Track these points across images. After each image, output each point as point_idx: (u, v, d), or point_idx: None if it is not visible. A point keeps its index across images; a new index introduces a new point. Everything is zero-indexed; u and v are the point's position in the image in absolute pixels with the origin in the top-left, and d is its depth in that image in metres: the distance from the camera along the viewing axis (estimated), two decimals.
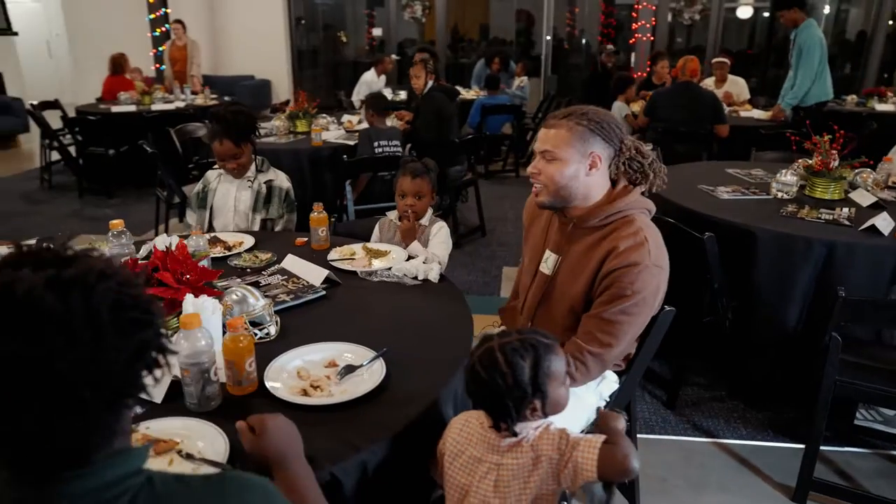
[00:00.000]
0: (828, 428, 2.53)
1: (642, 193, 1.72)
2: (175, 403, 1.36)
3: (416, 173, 2.42)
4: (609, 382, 1.83)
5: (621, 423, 1.23)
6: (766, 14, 11.18)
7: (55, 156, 6.34)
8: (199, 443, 1.23)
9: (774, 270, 2.54)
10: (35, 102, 6.46)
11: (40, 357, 0.64)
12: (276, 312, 1.72)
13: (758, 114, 6.00)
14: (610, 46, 8.38)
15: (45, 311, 0.64)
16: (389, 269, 2.05)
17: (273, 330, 1.65)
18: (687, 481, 2.31)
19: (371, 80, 7.56)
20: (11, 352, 0.64)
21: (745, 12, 11.35)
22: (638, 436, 2.51)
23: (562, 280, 1.73)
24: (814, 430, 2.15)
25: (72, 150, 6.27)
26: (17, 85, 9.58)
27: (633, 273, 1.56)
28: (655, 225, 2.75)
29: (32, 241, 2.03)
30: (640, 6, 8.34)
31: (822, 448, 2.44)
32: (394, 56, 11.00)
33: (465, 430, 1.29)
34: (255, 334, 1.61)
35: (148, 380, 0.76)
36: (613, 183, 1.73)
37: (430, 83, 4.84)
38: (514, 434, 1.21)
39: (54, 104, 6.60)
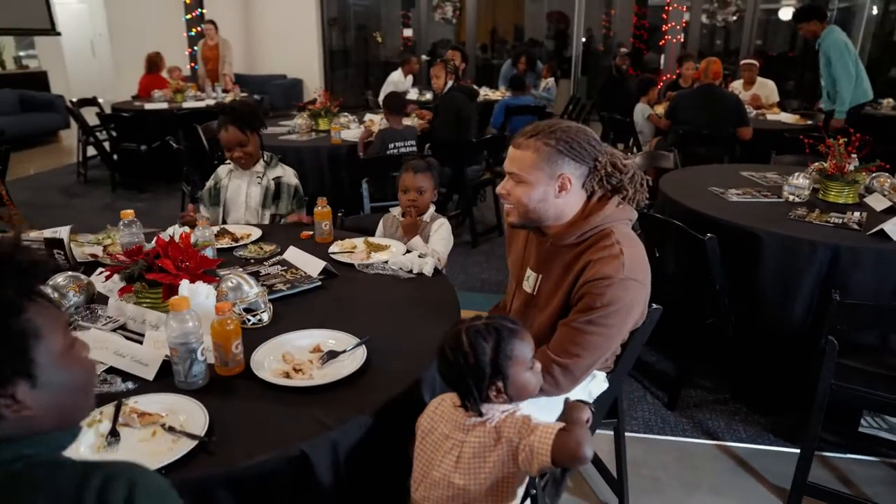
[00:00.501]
0: (832, 434, 2.52)
1: (620, 202, 1.65)
2: (165, 381, 1.44)
3: (418, 169, 2.47)
4: (598, 381, 1.85)
5: (585, 413, 1.26)
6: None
7: (91, 151, 6.58)
8: (181, 417, 1.30)
9: (778, 274, 2.53)
10: (74, 100, 6.71)
11: None
12: (270, 300, 1.79)
13: (785, 117, 5.91)
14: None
15: None
16: (386, 262, 2.10)
17: (266, 316, 1.72)
18: (679, 481, 2.31)
19: (398, 81, 7.65)
20: None
21: (786, 13, 11.15)
22: (635, 435, 2.55)
23: (543, 298, 1.69)
24: (808, 434, 2.13)
25: (106, 145, 6.49)
26: (61, 83, 9.96)
27: (602, 285, 1.51)
28: (648, 219, 2.76)
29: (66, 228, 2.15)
30: (671, 8, 8.26)
31: (825, 454, 2.44)
32: (424, 57, 11.10)
33: (439, 410, 1.35)
34: (249, 320, 1.69)
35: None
36: (591, 195, 1.67)
37: (450, 83, 4.89)
38: (480, 414, 1.26)
39: (92, 101, 6.85)
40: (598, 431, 2.37)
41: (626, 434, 2.43)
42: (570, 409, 1.27)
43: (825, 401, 2.08)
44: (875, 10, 10.05)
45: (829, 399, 2.08)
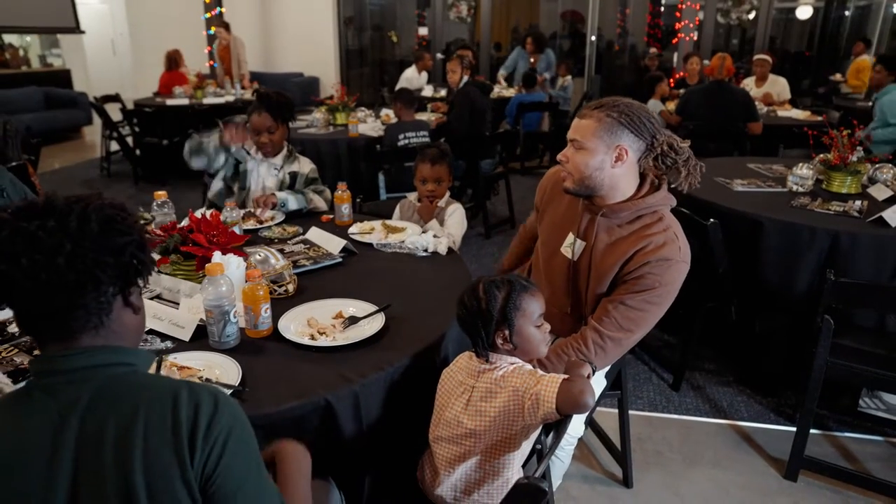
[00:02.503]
0: (831, 413, 2.61)
1: (671, 189, 1.73)
2: (199, 342, 1.57)
3: (435, 159, 2.58)
4: None
5: (586, 369, 1.37)
6: (821, 15, 10.96)
7: (114, 146, 6.77)
8: (216, 371, 1.43)
9: (779, 259, 2.62)
10: (98, 96, 6.90)
11: (34, 230, 0.88)
12: (295, 274, 1.92)
13: (796, 113, 5.96)
14: (653, 50, 8.37)
15: (53, 207, 0.91)
16: (403, 241, 2.22)
17: (291, 287, 1.84)
18: (682, 455, 2.41)
19: (412, 77, 7.76)
20: (20, 226, 0.89)
21: (804, 12, 11.15)
22: (640, 413, 2.64)
23: (588, 267, 1.74)
24: (804, 409, 2.22)
25: (129, 140, 6.67)
26: (83, 81, 10.20)
27: (663, 266, 1.61)
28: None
29: None
30: (684, 6, 8.32)
31: (826, 433, 2.52)
32: (439, 55, 11.22)
33: (460, 362, 1.48)
34: (275, 290, 1.81)
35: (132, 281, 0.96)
36: (643, 177, 1.74)
37: (466, 78, 5.00)
38: (488, 360, 1.39)
39: (115, 98, 7.03)
40: (603, 409, 2.49)
41: (631, 412, 2.55)
42: (572, 365, 1.38)
43: (821, 376, 2.17)
44: (895, 9, 10.03)
45: (826, 376, 2.17)
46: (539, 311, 1.41)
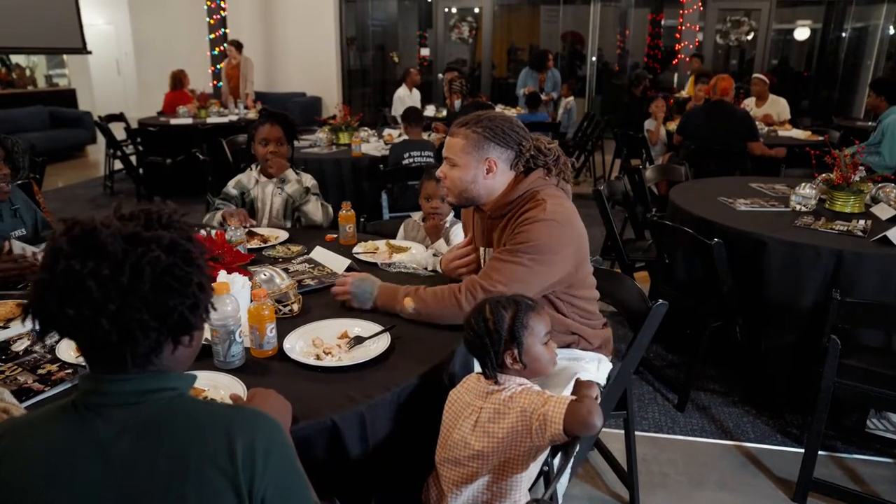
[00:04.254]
0: (839, 435, 2.59)
1: (546, 175, 1.83)
2: (203, 362, 1.56)
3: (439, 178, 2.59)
4: (605, 364, 1.96)
5: (594, 390, 1.37)
6: (819, 36, 11.07)
7: (118, 165, 6.80)
8: (221, 391, 1.42)
9: (784, 278, 2.61)
10: (102, 115, 6.95)
11: (86, 275, 0.86)
12: (300, 293, 1.91)
13: (797, 133, 5.99)
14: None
15: (108, 252, 0.87)
16: (405, 261, 2.22)
17: (296, 307, 1.84)
18: (688, 478, 2.39)
19: (404, 96, 7.81)
20: (73, 267, 0.86)
21: (802, 34, 11.27)
22: (645, 434, 2.62)
23: None
24: (812, 430, 2.21)
25: (133, 159, 6.71)
26: (87, 100, 10.29)
27: (523, 224, 1.72)
28: (658, 227, 2.86)
29: None
30: (683, 27, 8.40)
31: (832, 454, 2.50)
32: (441, 76, 11.31)
33: (468, 383, 1.48)
34: (280, 310, 1.81)
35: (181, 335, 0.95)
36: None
37: (458, 101, 5.06)
38: (497, 381, 1.39)
39: (119, 117, 7.09)
40: (609, 430, 2.47)
41: (637, 433, 2.52)
42: (580, 386, 1.38)
43: (829, 397, 2.16)
44: (892, 30, 10.14)
45: (833, 396, 2.16)
46: (546, 330, 1.41)
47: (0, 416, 1.14)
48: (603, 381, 1.93)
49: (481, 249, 1.98)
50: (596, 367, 1.90)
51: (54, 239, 0.89)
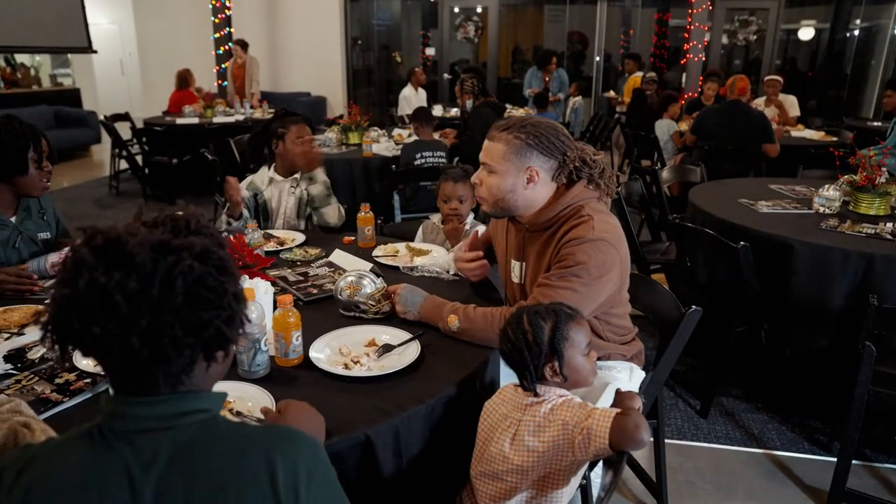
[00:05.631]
0: (871, 443, 2.53)
1: (587, 186, 1.71)
2: (228, 371, 1.50)
3: (458, 178, 2.55)
4: (637, 373, 1.90)
5: (637, 402, 1.31)
6: (827, 36, 11.01)
7: (123, 164, 6.75)
8: (248, 403, 1.36)
9: (811, 282, 2.55)
10: (107, 115, 6.90)
11: (112, 289, 0.79)
12: (319, 299, 1.86)
13: (810, 133, 5.94)
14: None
15: (136, 262, 0.80)
16: (427, 264, 2.17)
17: (388, 307, 1.77)
18: (715, 486, 2.33)
19: (410, 95, 7.76)
20: (99, 280, 0.79)
21: (806, 33, 11.21)
22: (669, 441, 2.56)
23: (530, 284, 1.75)
24: (846, 439, 2.14)
25: (138, 159, 6.65)
26: (92, 100, 10.24)
27: (573, 245, 1.59)
28: (684, 233, 2.80)
29: None
30: (692, 27, 8.34)
31: (866, 464, 2.44)
32: (446, 76, 11.26)
33: (503, 394, 1.42)
34: (370, 311, 1.76)
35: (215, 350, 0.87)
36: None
37: (469, 102, 5.01)
38: (536, 393, 1.33)
39: (125, 117, 7.04)
40: None
41: None
42: (622, 397, 1.31)
43: (863, 406, 2.10)
44: None
45: (867, 405, 2.10)
46: (586, 340, 1.35)
47: (22, 432, 1.08)
48: (636, 391, 1.88)
49: (513, 263, 1.86)
50: (628, 377, 1.84)
51: (75, 250, 0.82)
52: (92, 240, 0.82)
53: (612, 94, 9.00)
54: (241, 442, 0.86)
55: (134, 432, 0.84)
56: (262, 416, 1.30)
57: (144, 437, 0.83)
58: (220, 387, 1.40)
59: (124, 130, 6.65)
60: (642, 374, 1.89)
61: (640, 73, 8.22)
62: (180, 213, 0.90)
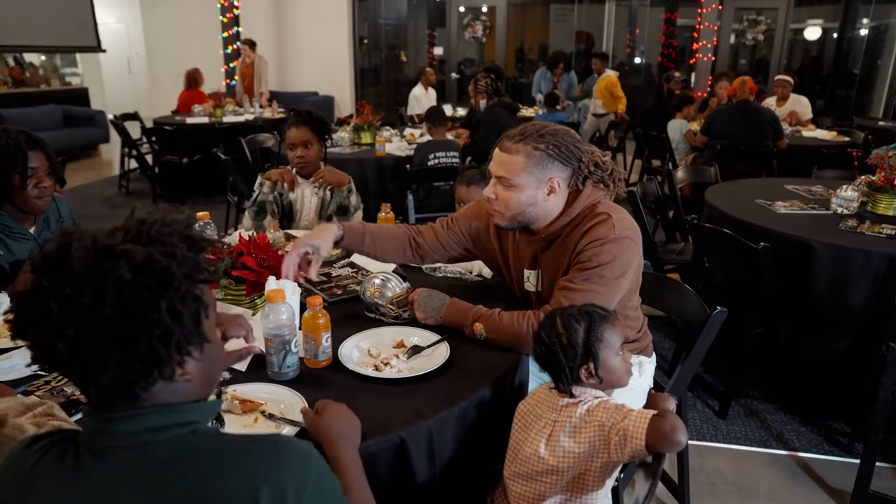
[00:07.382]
0: (893, 444, 2.51)
1: (595, 185, 1.69)
2: (257, 373, 1.50)
3: (472, 181, 2.55)
4: (648, 367, 1.91)
5: (671, 403, 1.30)
6: (836, 35, 10.97)
7: (133, 164, 6.76)
8: (280, 405, 1.36)
9: (832, 284, 2.55)
10: (117, 114, 6.91)
11: (48, 293, 0.75)
12: (345, 300, 1.86)
13: (822, 133, 5.91)
14: (677, 74, 8.30)
15: (72, 267, 0.75)
16: (451, 265, 2.16)
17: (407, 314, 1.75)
18: (736, 488, 2.32)
19: (420, 95, 7.76)
20: (41, 283, 0.76)
21: (813, 33, 11.18)
22: (689, 442, 2.55)
23: (549, 290, 1.72)
24: (870, 441, 2.14)
25: (148, 158, 6.66)
26: (99, 99, 10.26)
27: (597, 245, 1.57)
28: (702, 233, 2.79)
29: None
30: (701, 27, 8.32)
31: (889, 465, 2.42)
32: (454, 75, 11.27)
33: (536, 394, 1.41)
34: (401, 315, 1.74)
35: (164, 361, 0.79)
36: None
37: (483, 102, 5.01)
38: (571, 395, 1.33)
39: (134, 116, 7.05)
40: None
41: None
42: (656, 399, 1.31)
43: (887, 407, 2.09)
44: None
45: (892, 406, 2.09)
46: (620, 340, 1.35)
47: None
48: (648, 383, 1.88)
49: (526, 272, 1.80)
50: (638, 372, 1.84)
51: (38, 251, 0.80)
52: (52, 242, 0.79)
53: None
54: (221, 460, 0.82)
55: (110, 449, 0.81)
56: (294, 419, 1.30)
57: (120, 454, 0.80)
58: (250, 389, 1.42)
59: (133, 130, 6.66)
60: (653, 367, 1.89)
61: (611, 73, 7.96)
62: (158, 213, 0.86)
